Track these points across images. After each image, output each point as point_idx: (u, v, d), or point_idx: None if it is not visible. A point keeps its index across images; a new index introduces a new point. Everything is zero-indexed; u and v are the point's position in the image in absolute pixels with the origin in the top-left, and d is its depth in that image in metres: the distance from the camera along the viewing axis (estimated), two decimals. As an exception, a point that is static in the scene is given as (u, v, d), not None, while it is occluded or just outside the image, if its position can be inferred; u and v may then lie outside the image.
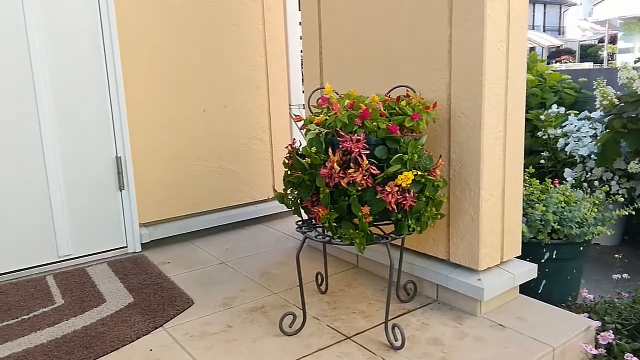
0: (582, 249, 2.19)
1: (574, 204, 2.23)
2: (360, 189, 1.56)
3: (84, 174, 2.52)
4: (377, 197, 1.56)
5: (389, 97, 1.81)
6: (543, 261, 2.15)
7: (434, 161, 1.68)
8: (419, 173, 1.59)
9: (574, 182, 3.16)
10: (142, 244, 2.70)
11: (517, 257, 2.01)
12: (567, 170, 3.40)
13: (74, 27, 2.43)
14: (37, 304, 2.07)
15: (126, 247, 2.67)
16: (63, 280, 2.30)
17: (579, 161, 3.39)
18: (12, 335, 1.82)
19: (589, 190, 3.14)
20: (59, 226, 2.47)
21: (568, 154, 3.45)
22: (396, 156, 1.57)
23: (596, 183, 3.23)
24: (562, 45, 22.31)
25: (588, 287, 2.30)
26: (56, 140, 2.43)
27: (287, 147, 1.79)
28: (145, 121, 2.70)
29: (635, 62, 3.25)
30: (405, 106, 1.69)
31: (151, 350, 1.72)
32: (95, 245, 2.59)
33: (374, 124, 1.61)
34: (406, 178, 1.54)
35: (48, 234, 2.45)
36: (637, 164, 3.03)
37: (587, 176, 3.30)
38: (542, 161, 3.66)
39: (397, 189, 1.55)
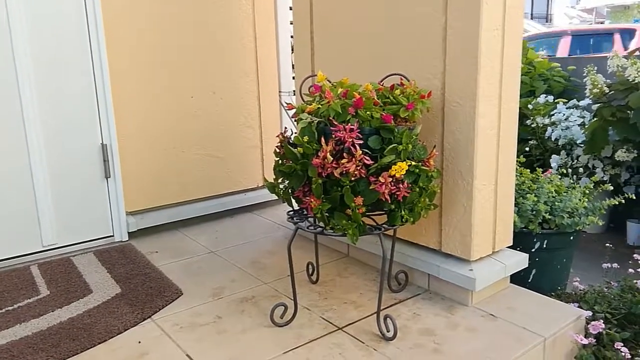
0: (572, 238, 2.20)
1: (565, 194, 2.23)
2: (353, 179, 1.53)
3: (69, 161, 2.45)
4: (370, 187, 1.54)
5: (383, 85, 1.78)
6: (533, 250, 2.16)
7: (428, 151, 1.66)
8: (413, 163, 1.57)
9: (558, 169, 3.18)
10: (128, 233, 2.65)
11: (508, 247, 2.01)
12: (553, 156, 3.41)
13: (56, 8, 2.34)
14: (22, 295, 2.02)
15: (112, 235, 2.62)
16: (47, 270, 2.25)
17: (563, 147, 3.40)
18: (-5, 327, 1.78)
19: (574, 178, 3.17)
20: (43, 214, 2.41)
21: (553, 139, 3.45)
22: (390, 146, 1.55)
23: (581, 170, 3.25)
24: (548, 32, 22.34)
25: (574, 275, 2.32)
26: (39, 127, 2.35)
27: (278, 136, 1.76)
28: (131, 108, 2.63)
29: (629, 53, 3.24)
30: (399, 95, 1.66)
31: (139, 342, 1.69)
32: (80, 234, 2.53)
33: (368, 113, 1.58)
34: (400, 168, 1.51)
35: (32, 222, 2.39)
36: (625, 152, 3.05)
37: (573, 163, 3.31)
38: (527, 149, 3.67)
39: (391, 179, 1.52)
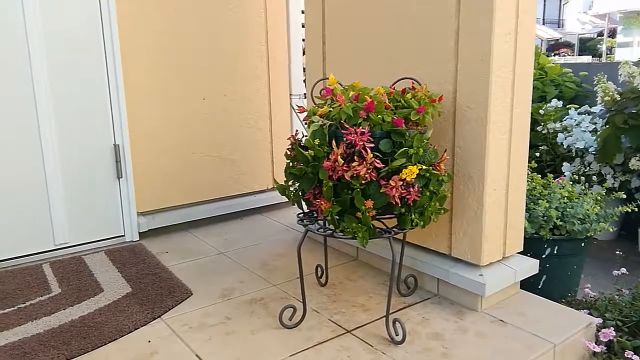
0: (583, 244, 2.19)
1: (576, 200, 2.22)
2: (363, 182, 1.53)
3: (81, 161, 2.48)
4: (381, 190, 1.54)
5: (394, 89, 1.79)
6: (544, 256, 2.15)
7: (439, 155, 1.66)
8: (424, 167, 1.57)
9: (572, 176, 3.16)
10: (139, 233, 2.68)
11: (518, 252, 2.00)
12: (565, 164, 3.39)
13: (71, 11, 2.38)
14: (34, 293, 2.04)
15: (123, 235, 2.65)
16: (59, 268, 2.28)
17: (576, 155, 3.38)
18: (8, 324, 1.80)
19: (586, 185, 3.14)
20: (55, 214, 2.44)
21: (566, 146, 3.43)
22: (401, 150, 1.55)
23: (594, 178, 3.22)
24: (561, 38, 22.24)
25: (585, 282, 2.30)
26: (53, 127, 2.39)
27: (289, 138, 1.77)
28: (143, 109, 2.66)
29: (637, 62, 3.24)
30: (411, 99, 1.67)
31: (149, 342, 1.70)
32: (92, 234, 2.56)
33: (379, 116, 1.59)
34: (411, 172, 1.52)
35: (44, 221, 2.42)
36: (638, 160, 3.02)
37: (585, 170, 3.29)
38: (537, 154, 3.65)
39: (401, 183, 1.53)
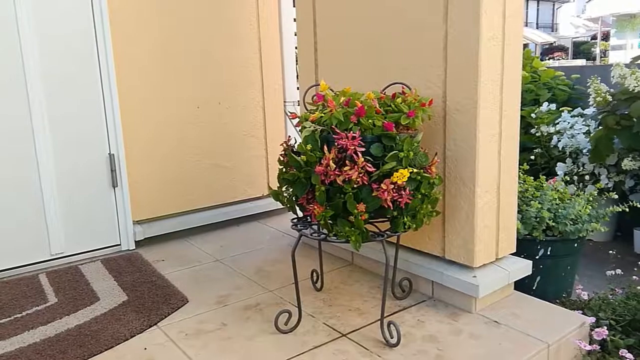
0: (576, 245, 2.20)
1: (568, 201, 2.24)
2: (355, 186, 1.55)
3: (77, 171, 2.50)
4: (373, 194, 1.56)
5: (384, 94, 1.81)
6: (537, 257, 2.16)
7: (430, 158, 1.68)
8: (415, 170, 1.59)
9: (564, 177, 3.18)
10: (135, 242, 2.68)
11: (512, 254, 2.01)
12: (559, 164, 3.41)
13: (65, 20, 2.40)
14: (30, 302, 2.05)
15: (120, 244, 2.65)
16: (56, 278, 2.28)
17: (570, 156, 3.40)
18: (4, 334, 1.80)
19: (579, 185, 3.16)
20: (51, 223, 2.45)
21: (560, 149, 3.46)
22: (391, 153, 1.57)
23: (587, 177, 3.25)
24: (554, 42, 22.39)
25: (580, 282, 2.32)
26: (48, 137, 2.40)
27: (282, 144, 1.79)
28: (138, 118, 2.68)
29: (631, 61, 3.28)
30: (401, 103, 1.69)
31: (145, 349, 1.71)
32: (88, 243, 2.57)
33: (370, 121, 1.60)
34: (402, 175, 1.53)
35: (40, 231, 2.43)
36: (631, 160, 3.04)
37: (579, 170, 3.31)
38: (532, 157, 3.67)
39: (393, 186, 1.54)
